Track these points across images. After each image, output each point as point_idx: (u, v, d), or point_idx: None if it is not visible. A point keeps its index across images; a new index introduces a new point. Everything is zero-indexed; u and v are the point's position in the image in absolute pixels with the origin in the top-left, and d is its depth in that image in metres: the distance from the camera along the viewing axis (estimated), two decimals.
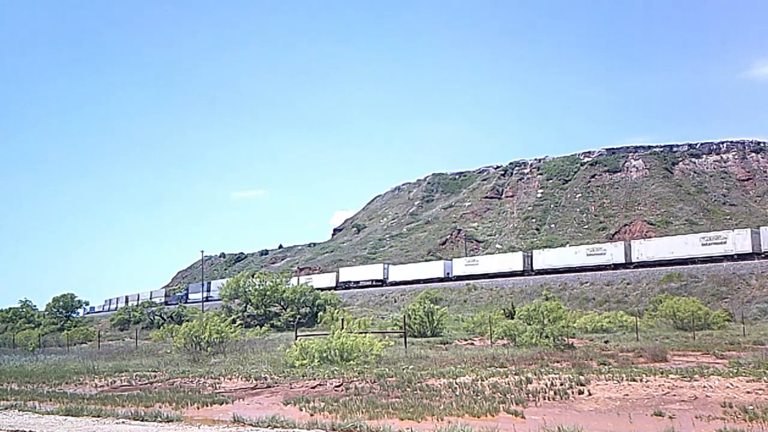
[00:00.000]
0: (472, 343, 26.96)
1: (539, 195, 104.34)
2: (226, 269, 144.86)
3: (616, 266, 47.06)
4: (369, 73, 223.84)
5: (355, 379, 14.55)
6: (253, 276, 58.85)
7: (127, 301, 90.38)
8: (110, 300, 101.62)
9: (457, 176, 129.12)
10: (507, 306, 38.94)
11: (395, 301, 53.32)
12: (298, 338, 20.46)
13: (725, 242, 42.53)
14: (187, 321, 34.03)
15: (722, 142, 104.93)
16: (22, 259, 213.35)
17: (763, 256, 39.83)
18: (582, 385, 12.11)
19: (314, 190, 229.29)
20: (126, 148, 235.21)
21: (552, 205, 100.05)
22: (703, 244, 43.62)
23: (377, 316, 44.73)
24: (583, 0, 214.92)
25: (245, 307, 55.32)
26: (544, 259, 52.67)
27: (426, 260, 72.21)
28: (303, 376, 15.46)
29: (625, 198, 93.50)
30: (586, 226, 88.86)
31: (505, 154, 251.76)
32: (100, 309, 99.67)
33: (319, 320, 47.18)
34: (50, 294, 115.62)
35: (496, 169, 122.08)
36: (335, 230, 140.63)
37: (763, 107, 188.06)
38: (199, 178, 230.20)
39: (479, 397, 11.90)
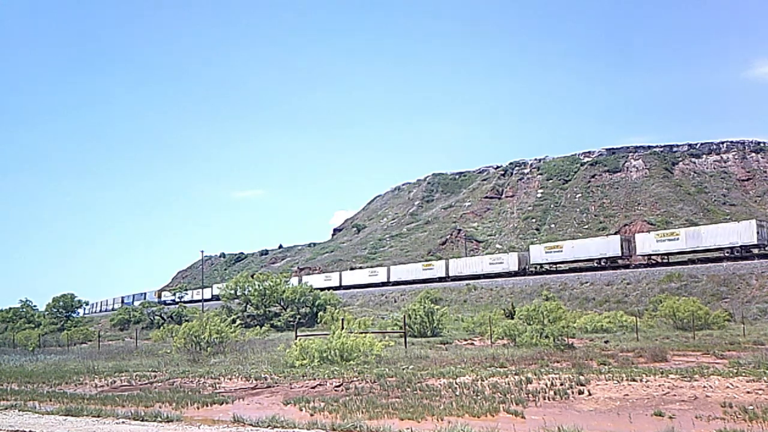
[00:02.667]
0: (472, 343, 26.96)
1: (539, 195, 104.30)
2: (226, 269, 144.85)
3: (511, 274, 53.12)
4: (369, 73, 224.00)
5: (355, 379, 14.55)
6: (252, 276, 58.88)
7: (122, 302, 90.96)
8: (105, 301, 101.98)
9: (457, 176, 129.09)
10: (507, 306, 38.95)
11: (395, 301, 53.33)
12: (298, 338, 20.45)
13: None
14: (187, 321, 34.05)
15: (722, 142, 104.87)
16: (22, 259, 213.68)
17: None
18: (582, 385, 12.11)
19: (314, 190, 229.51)
20: (126, 148, 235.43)
21: (552, 205, 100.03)
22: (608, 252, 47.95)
23: (377, 316, 44.75)
24: (583, 0, 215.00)
25: (245, 307, 55.34)
26: (456, 266, 58.14)
27: (426, 260, 72.14)
28: (303, 376, 15.46)
29: (625, 198, 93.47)
30: (586, 226, 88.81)
31: (505, 154, 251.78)
32: (94, 309, 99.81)
33: (319, 320, 47.19)
34: (50, 294, 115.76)
35: (496, 169, 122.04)
36: (335, 230, 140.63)
37: (763, 107, 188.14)
38: (199, 178, 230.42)
39: (479, 397, 11.90)
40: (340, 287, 65.43)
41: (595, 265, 48.76)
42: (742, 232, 41.86)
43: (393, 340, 23.45)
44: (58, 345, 47.46)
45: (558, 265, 51.96)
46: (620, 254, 47.89)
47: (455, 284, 54.12)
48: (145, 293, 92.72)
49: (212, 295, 76.33)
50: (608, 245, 49.21)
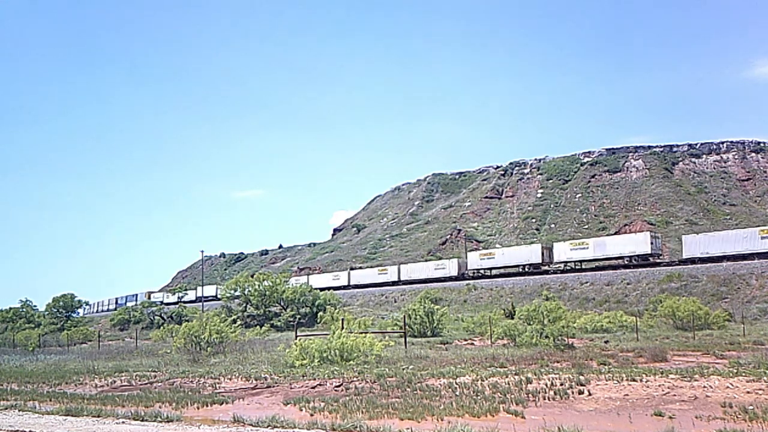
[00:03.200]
0: (472, 343, 26.95)
1: (539, 195, 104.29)
2: (226, 269, 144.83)
3: (452, 278, 56.91)
4: (369, 73, 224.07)
5: (355, 379, 14.55)
6: (252, 276, 58.88)
7: (116, 303, 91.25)
8: (101, 301, 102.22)
9: (457, 176, 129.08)
10: (507, 306, 38.94)
11: (395, 301, 53.33)
12: (298, 338, 20.44)
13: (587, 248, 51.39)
14: (187, 321, 34.04)
15: (722, 142, 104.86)
16: (22, 259, 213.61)
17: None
18: (582, 385, 12.10)
19: (314, 190, 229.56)
20: (126, 148, 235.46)
21: (552, 205, 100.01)
22: (572, 248, 51.92)
23: (377, 316, 44.75)
24: (583, 0, 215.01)
25: (245, 307, 55.33)
26: (407, 271, 62.36)
27: (426, 260, 72.19)
28: (303, 376, 15.46)
29: (625, 198, 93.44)
30: (586, 226, 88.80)
31: (505, 154, 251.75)
32: (94, 309, 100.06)
33: (319, 320, 47.19)
34: (50, 294, 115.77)
35: (496, 169, 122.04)
36: (335, 230, 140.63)
37: (763, 107, 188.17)
38: (199, 178, 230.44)
39: (479, 397, 11.90)
40: (348, 286, 65.52)
41: (520, 270, 54.09)
42: (638, 243, 47.61)
43: (393, 340, 23.44)
44: (58, 345, 47.46)
45: (491, 271, 56.87)
46: (541, 261, 53.10)
47: (455, 284, 54.19)
48: (136, 294, 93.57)
49: (197, 297, 77.14)
50: (531, 253, 54.56)
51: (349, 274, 69.52)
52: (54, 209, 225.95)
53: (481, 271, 56.91)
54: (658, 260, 47.69)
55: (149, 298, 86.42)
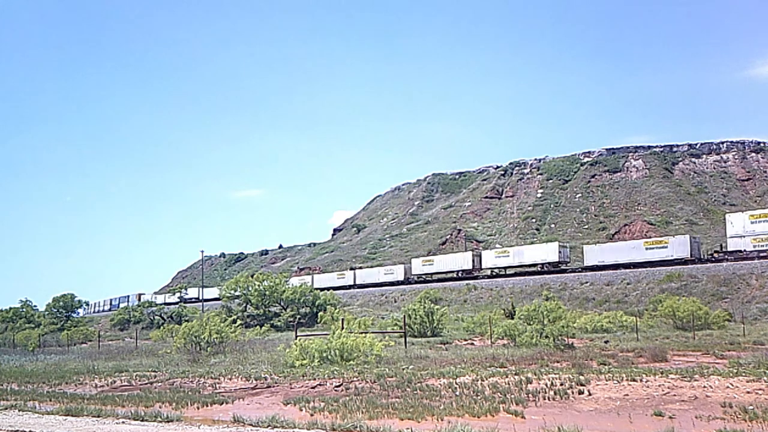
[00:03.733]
0: (472, 343, 26.95)
1: (539, 195, 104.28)
2: (226, 269, 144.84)
3: (397, 283, 61.97)
4: (369, 73, 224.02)
5: (355, 379, 14.55)
6: (252, 276, 58.88)
7: (111, 304, 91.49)
8: (97, 303, 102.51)
9: (457, 176, 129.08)
10: (507, 306, 38.94)
11: (395, 301, 53.33)
12: (298, 338, 20.44)
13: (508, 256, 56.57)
14: (187, 321, 34.05)
15: (722, 142, 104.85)
16: (22, 259, 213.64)
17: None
18: (582, 385, 12.10)
19: (314, 190, 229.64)
20: (126, 148, 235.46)
21: (552, 205, 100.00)
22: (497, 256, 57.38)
23: (377, 316, 44.74)
24: (583, 0, 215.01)
25: (245, 307, 55.33)
26: (360, 276, 67.49)
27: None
28: (303, 376, 15.45)
29: (625, 198, 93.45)
30: (586, 226, 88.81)
31: (505, 154, 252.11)
32: (94, 309, 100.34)
33: (319, 320, 47.18)
34: (50, 294, 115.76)
35: (496, 169, 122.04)
36: (335, 230, 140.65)
37: (763, 107, 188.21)
38: (199, 178, 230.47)
39: (479, 397, 11.90)
40: (354, 286, 66.34)
41: (455, 276, 58.94)
42: (549, 252, 53.90)
43: (393, 340, 23.41)
44: (58, 345, 47.45)
45: (432, 276, 61.57)
46: (471, 267, 58.29)
47: (456, 284, 54.26)
48: (128, 296, 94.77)
49: (183, 298, 77.69)
50: (463, 260, 59.93)
51: (354, 273, 70.10)
52: (54, 209, 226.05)
53: (423, 276, 62.40)
54: (565, 267, 53.50)
55: (140, 299, 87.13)
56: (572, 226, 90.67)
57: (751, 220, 43.07)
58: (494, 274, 57.46)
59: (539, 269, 53.50)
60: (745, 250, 42.09)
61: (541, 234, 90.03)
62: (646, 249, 47.99)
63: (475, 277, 56.88)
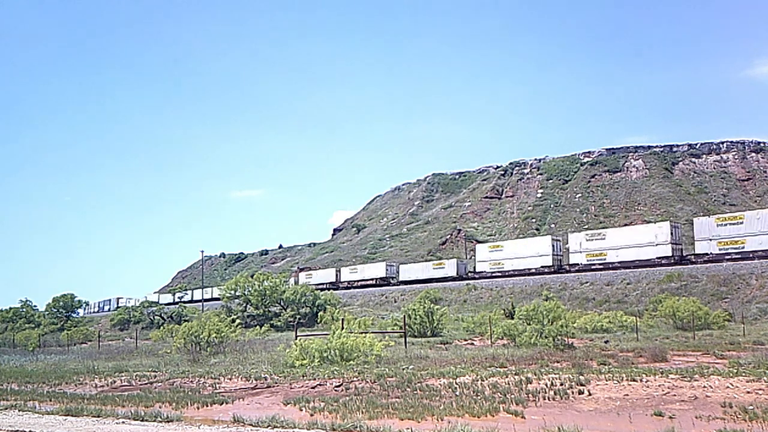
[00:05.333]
0: (472, 343, 26.94)
1: (539, 195, 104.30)
2: (226, 269, 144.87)
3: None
4: (369, 73, 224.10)
5: (355, 379, 14.54)
6: (252, 276, 58.86)
7: (99, 308, 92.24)
8: (93, 303, 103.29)
9: (457, 176, 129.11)
10: (507, 306, 38.93)
11: (395, 301, 53.33)
12: (298, 338, 20.44)
13: (444, 268, 61.15)
14: (187, 321, 34.04)
15: (722, 142, 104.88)
16: (22, 259, 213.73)
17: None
18: (582, 385, 12.10)
19: (314, 190, 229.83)
20: (126, 148, 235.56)
21: (552, 205, 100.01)
22: (433, 268, 61.71)
23: (377, 316, 44.73)
24: (583, 0, 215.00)
25: (245, 307, 55.32)
26: (313, 277, 73.52)
27: (426, 260, 72.25)
28: (303, 376, 15.45)
29: (625, 198, 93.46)
30: (586, 226, 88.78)
31: (505, 154, 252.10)
32: (94, 309, 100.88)
33: (319, 320, 47.17)
34: (50, 294, 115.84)
35: (496, 169, 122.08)
36: (335, 230, 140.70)
37: (763, 107, 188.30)
38: (198, 178, 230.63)
39: (479, 397, 11.89)
40: (390, 282, 65.97)
41: (373, 283, 66.11)
42: (379, 270, 67.49)
43: (393, 340, 23.40)
44: (58, 345, 47.45)
45: (357, 282, 68.19)
46: (384, 276, 66.32)
47: (455, 284, 54.23)
48: (110, 299, 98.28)
49: (177, 299, 78.17)
50: (377, 270, 68.29)
51: (397, 268, 68.51)
52: (54, 209, 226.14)
53: (353, 283, 68.83)
54: (392, 282, 64.49)
55: (118, 304, 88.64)
56: (572, 226, 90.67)
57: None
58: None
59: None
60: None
61: (541, 234, 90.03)
62: (434, 268, 61.12)
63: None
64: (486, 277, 53.89)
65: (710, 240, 43.47)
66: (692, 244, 46.39)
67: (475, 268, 57.95)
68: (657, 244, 45.35)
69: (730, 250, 42.26)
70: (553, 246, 51.99)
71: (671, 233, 45.21)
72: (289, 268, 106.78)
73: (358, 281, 68.38)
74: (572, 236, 51.45)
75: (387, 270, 66.58)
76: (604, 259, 47.76)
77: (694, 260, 43.85)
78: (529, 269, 51.79)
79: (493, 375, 13.71)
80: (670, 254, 44.57)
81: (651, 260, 44.97)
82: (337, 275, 71.95)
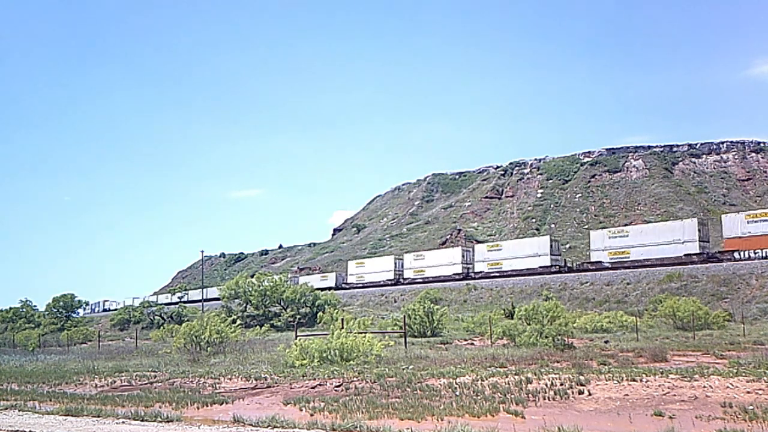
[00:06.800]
0: (472, 343, 26.94)
1: (539, 195, 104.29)
2: (226, 269, 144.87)
3: (336, 288, 67.89)
4: (369, 73, 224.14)
5: (355, 379, 14.54)
6: (252, 276, 58.87)
7: (92, 310, 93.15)
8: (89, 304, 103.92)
9: (457, 176, 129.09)
10: (507, 306, 38.94)
11: (395, 301, 53.32)
12: (298, 338, 20.44)
13: (327, 279, 67.64)
14: (187, 321, 34.04)
15: (722, 142, 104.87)
16: (22, 259, 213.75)
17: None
18: (582, 385, 12.09)
19: (314, 190, 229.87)
20: (125, 148, 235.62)
21: (552, 205, 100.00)
22: (320, 279, 67.83)
23: (377, 316, 44.73)
24: (583, 0, 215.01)
25: (245, 307, 55.33)
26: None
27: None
28: (303, 376, 15.45)
29: (625, 198, 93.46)
30: (586, 226, 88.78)
31: (505, 154, 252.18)
32: (94, 310, 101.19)
33: (318, 320, 47.18)
34: (50, 294, 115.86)
35: (496, 169, 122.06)
36: (335, 230, 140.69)
37: (763, 107, 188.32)
38: (198, 178, 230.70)
39: (479, 397, 11.89)
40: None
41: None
42: (330, 279, 70.23)
43: (393, 340, 23.41)
44: (58, 345, 47.44)
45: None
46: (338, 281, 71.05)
47: (455, 284, 54.26)
48: (98, 302, 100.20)
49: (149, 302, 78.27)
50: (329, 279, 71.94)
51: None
52: (54, 209, 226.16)
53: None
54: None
55: (104, 307, 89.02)
56: (572, 226, 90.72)
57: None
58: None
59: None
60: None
61: (541, 234, 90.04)
62: (320, 280, 68.06)
63: (340, 288, 66.05)
64: (485, 278, 54.21)
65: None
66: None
67: (345, 280, 68.45)
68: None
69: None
70: (551, 246, 52.17)
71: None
72: (289, 268, 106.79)
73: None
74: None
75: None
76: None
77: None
78: (527, 269, 51.87)
79: (493, 375, 13.70)
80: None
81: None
82: (337, 278, 72.19)
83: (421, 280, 59.52)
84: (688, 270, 40.95)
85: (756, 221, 40.38)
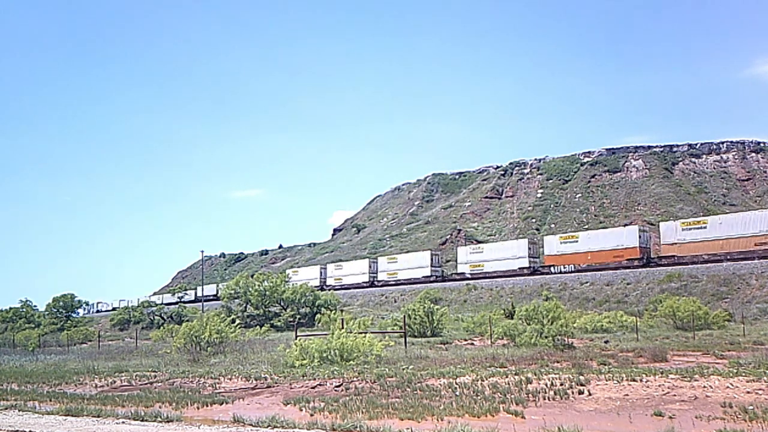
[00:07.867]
0: (472, 343, 26.94)
1: (539, 195, 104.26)
2: (226, 269, 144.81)
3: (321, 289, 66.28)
4: (369, 73, 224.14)
5: (355, 379, 14.54)
6: (252, 276, 58.89)
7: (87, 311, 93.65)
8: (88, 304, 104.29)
9: (457, 176, 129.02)
10: (507, 306, 38.93)
11: (395, 301, 53.31)
12: (298, 338, 20.44)
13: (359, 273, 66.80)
14: (187, 321, 34.03)
15: (722, 142, 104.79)
16: (22, 259, 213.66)
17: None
18: (582, 385, 12.10)
19: (314, 190, 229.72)
20: (125, 148, 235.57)
21: (552, 205, 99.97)
22: (363, 273, 66.16)
23: (377, 316, 44.72)
24: (583, 0, 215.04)
25: (245, 307, 55.33)
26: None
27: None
28: (303, 376, 15.45)
29: (625, 198, 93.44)
30: (586, 226, 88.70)
31: (505, 154, 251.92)
32: (94, 309, 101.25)
33: (318, 321, 47.17)
34: (50, 294, 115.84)
35: (496, 169, 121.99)
36: (335, 230, 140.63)
37: (763, 107, 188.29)
38: (198, 178, 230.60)
39: (479, 397, 11.89)
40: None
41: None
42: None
43: (393, 340, 23.41)
44: (58, 345, 47.41)
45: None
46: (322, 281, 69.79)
47: (455, 284, 54.29)
48: (99, 302, 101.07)
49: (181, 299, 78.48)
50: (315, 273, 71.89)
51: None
52: (54, 209, 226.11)
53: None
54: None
55: (97, 308, 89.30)
56: (572, 226, 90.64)
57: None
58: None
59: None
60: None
61: (541, 234, 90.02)
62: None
63: (322, 289, 63.76)
64: (466, 279, 56.07)
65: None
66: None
67: (326, 282, 68.79)
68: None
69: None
70: (529, 249, 54.42)
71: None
72: (289, 267, 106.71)
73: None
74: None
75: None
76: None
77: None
78: (506, 271, 53.81)
79: (493, 375, 13.71)
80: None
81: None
82: (321, 274, 72.95)
83: (393, 283, 61.52)
84: (689, 270, 40.98)
85: (567, 242, 51.32)
